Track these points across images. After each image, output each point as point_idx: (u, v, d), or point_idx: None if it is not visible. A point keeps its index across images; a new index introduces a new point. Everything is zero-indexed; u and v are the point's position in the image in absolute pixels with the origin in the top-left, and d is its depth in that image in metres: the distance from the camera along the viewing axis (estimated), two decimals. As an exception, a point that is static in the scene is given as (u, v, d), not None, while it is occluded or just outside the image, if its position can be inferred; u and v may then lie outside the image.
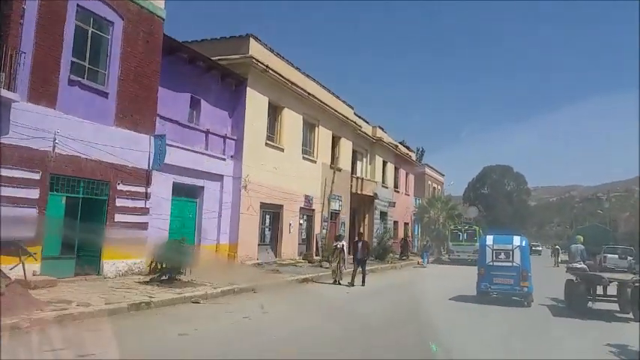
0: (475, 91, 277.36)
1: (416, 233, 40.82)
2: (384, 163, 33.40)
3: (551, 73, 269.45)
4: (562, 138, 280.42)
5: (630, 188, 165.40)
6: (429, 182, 47.45)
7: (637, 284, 10.47)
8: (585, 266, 12.44)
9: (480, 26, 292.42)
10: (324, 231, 23.53)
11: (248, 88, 17.44)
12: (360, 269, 14.95)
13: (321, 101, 22.69)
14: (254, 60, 17.24)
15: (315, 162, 22.97)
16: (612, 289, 11.50)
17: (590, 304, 11.27)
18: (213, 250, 16.44)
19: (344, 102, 25.96)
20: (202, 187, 15.99)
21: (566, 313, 11.20)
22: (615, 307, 11.24)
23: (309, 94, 21.17)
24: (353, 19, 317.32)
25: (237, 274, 13.98)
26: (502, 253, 12.48)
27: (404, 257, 30.18)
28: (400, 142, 37.55)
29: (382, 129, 32.81)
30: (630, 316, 10.55)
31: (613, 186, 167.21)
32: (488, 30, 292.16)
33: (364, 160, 31.02)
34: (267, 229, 19.47)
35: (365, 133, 29.73)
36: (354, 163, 29.81)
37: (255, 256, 17.92)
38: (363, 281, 14.82)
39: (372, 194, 29.56)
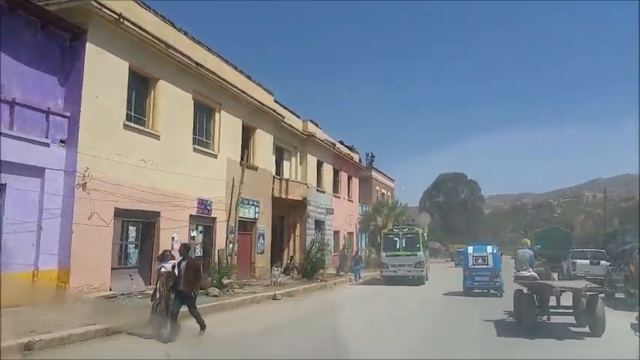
0: (432, 99, 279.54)
1: (362, 245, 36.17)
2: (320, 164, 28.65)
3: (503, 84, 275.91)
4: (513, 148, 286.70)
5: (579, 194, 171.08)
6: (377, 188, 43.18)
7: (592, 293, 9.43)
8: (535, 274, 11.19)
9: (435, 34, 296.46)
10: (232, 245, 18.36)
11: (89, 45, 12.16)
12: (186, 309, 8.74)
13: (222, 78, 17.65)
14: (96, 3, 12.00)
15: (216, 156, 17.85)
16: (568, 299, 10.20)
17: (543, 317, 10.21)
18: (29, 278, 10.97)
19: (260, 85, 21.03)
20: (3, 186, 10.55)
21: (514, 331, 9.69)
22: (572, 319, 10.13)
23: (197, 64, 16.06)
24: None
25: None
26: (480, 259, 17.31)
27: (341, 273, 25.41)
28: (339, 142, 32.96)
29: (315, 124, 28.11)
30: (587, 329, 9.53)
31: (563, 192, 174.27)
32: (446, 37, 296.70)
33: (293, 159, 26.15)
34: (132, 247, 14.06)
35: (292, 126, 24.90)
36: (279, 163, 24.91)
37: (106, 286, 12.51)
38: (201, 325, 8.72)
39: (301, 199, 24.65)
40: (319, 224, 27.90)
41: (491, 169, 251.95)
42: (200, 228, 17.13)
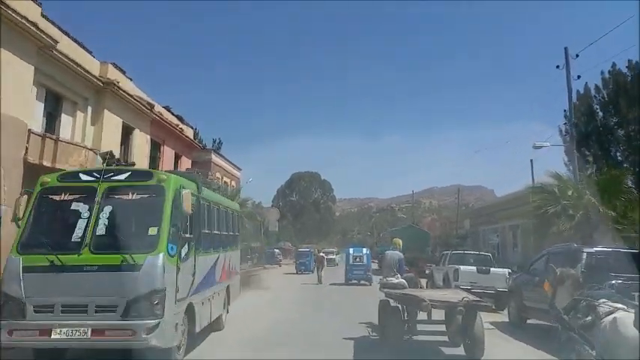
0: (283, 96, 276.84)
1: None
2: (128, 130, 20.77)
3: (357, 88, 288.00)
4: (360, 153, 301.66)
5: (418, 200, 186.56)
6: (219, 175, 36.15)
7: (471, 308, 7.71)
8: (404, 281, 9.68)
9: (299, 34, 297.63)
10: None
11: None
12: None
13: None
14: None
15: None
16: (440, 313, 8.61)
17: (410, 335, 8.61)
18: None
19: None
20: None
21: (377, 350, 8.62)
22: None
23: None
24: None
25: None
26: (357, 258, 23.99)
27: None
28: (165, 107, 25.30)
29: (123, 71, 20.20)
30: (461, 351, 8.18)
31: (403, 198, 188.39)
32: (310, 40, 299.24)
33: (80, 114, 17.95)
34: None
35: (79, 64, 16.75)
36: (54, 116, 16.60)
37: None
38: None
39: (83, 172, 16.57)
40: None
41: (340, 173, 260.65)
42: None
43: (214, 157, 35.08)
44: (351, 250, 25.03)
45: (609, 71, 22.83)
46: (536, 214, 15.05)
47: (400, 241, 11.13)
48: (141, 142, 21.91)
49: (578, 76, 17.93)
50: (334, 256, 47.55)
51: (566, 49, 17.69)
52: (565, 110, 25.17)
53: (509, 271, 14.44)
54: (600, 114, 23.01)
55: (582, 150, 22.46)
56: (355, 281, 23.48)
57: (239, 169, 41.99)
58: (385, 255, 10.57)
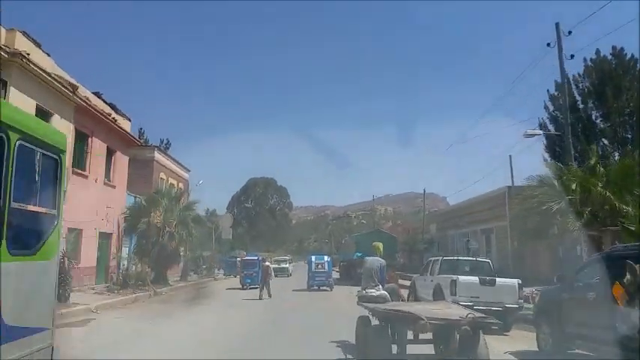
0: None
1: (129, 251, 24.96)
2: (44, 114, 16.93)
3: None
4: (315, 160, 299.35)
5: (374, 207, 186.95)
6: (164, 176, 32.39)
7: (477, 326, 6.37)
8: (385, 293, 8.26)
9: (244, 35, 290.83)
10: None
11: None
12: None
13: None
14: None
15: None
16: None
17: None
18: None
19: None
20: None
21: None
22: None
23: None
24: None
25: None
26: (319, 265, 25.23)
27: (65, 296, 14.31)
28: (96, 93, 21.53)
29: (37, 44, 16.48)
30: None
31: (358, 206, 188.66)
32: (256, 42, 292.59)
33: (-26, 90, 14.11)
34: None
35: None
36: None
37: None
38: None
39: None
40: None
41: (296, 181, 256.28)
42: None
43: (158, 155, 31.25)
44: (313, 258, 26.09)
45: (592, 59, 21.29)
46: (538, 212, 12.65)
47: (381, 246, 9.47)
48: (62, 130, 18.10)
49: (572, 55, 15.93)
50: (287, 265, 42.24)
51: (557, 24, 15.64)
52: (545, 101, 23.58)
53: (519, 282, 11.84)
54: (582, 105, 21.36)
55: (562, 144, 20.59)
56: (316, 287, 24.67)
57: (187, 170, 38.20)
58: (364, 262, 8.92)
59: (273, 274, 24.02)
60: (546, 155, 21.79)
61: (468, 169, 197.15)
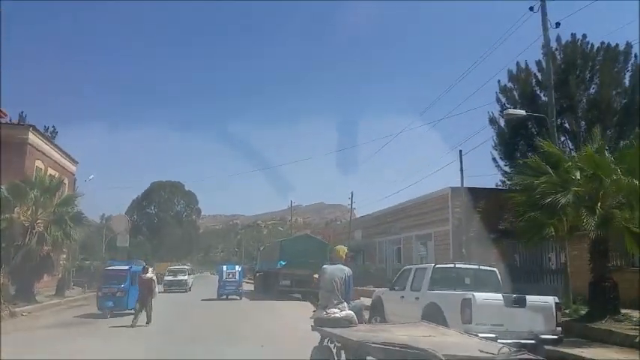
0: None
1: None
2: None
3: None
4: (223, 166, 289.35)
5: (284, 217, 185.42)
6: (42, 165, 26.10)
7: None
8: (351, 313, 6.70)
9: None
10: None
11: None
12: None
13: None
14: None
15: None
16: None
17: None
18: None
19: None
20: None
21: None
22: None
23: None
24: None
25: None
26: (230, 274, 25.47)
27: None
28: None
29: None
30: None
31: (268, 215, 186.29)
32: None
33: None
34: None
35: None
36: None
37: None
38: None
39: None
40: None
41: (204, 188, 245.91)
42: None
43: (34, 138, 24.98)
44: (224, 267, 26.41)
45: (556, 48, 19.57)
46: (539, 207, 9.93)
47: (345, 250, 7.44)
48: None
49: (557, 24, 13.94)
50: (185, 277, 33.54)
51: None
52: (499, 81, 21.57)
53: (557, 300, 8.46)
54: (543, 97, 19.72)
55: (515, 141, 18.73)
56: (225, 296, 25.03)
57: (75, 162, 31.78)
58: (324, 271, 6.93)
59: (157, 290, 15.90)
60: (496, 154, 19.89)
61: (383, 180, 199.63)
